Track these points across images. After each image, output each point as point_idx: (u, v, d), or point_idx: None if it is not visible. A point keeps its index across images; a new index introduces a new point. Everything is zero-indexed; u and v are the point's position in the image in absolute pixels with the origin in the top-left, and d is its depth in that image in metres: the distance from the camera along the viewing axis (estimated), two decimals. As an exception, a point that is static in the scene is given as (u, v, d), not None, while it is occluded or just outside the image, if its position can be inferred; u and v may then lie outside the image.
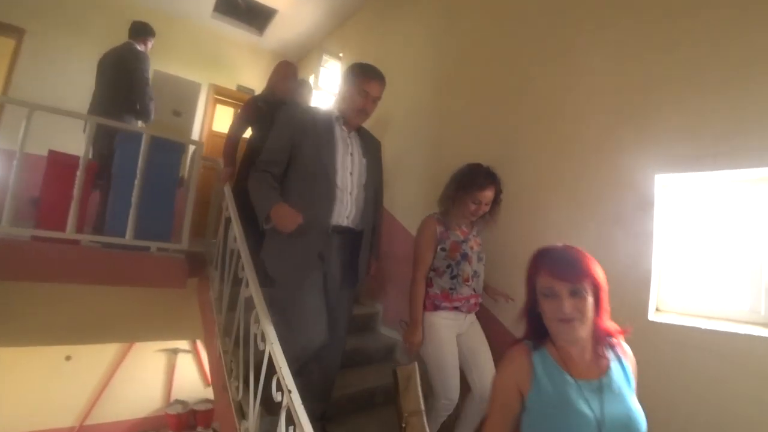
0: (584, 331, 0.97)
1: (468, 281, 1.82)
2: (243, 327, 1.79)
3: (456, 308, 1.79)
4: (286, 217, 1.52)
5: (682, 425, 1.48)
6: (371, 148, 1.85)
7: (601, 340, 1.01)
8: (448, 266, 1.80)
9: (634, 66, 1.84)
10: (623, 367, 1.02)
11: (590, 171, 1.94)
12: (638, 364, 1.62)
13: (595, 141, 1.95)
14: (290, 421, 1.29)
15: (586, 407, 0.91)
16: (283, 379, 1.34)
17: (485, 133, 2.51)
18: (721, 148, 1.56)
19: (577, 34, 2.10)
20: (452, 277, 1.78)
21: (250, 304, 1.74)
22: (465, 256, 1.81)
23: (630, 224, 1.78)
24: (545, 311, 0.98)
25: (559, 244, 1.07)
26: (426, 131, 2.95)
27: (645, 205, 1.74)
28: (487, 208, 1.87)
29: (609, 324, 1.02)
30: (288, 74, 2.64)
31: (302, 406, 1.26)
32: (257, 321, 1.61)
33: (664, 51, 1.74)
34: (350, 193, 1.70)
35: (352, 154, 1.74)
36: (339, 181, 1.68)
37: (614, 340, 1.04)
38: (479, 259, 1.90)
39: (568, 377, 0.96)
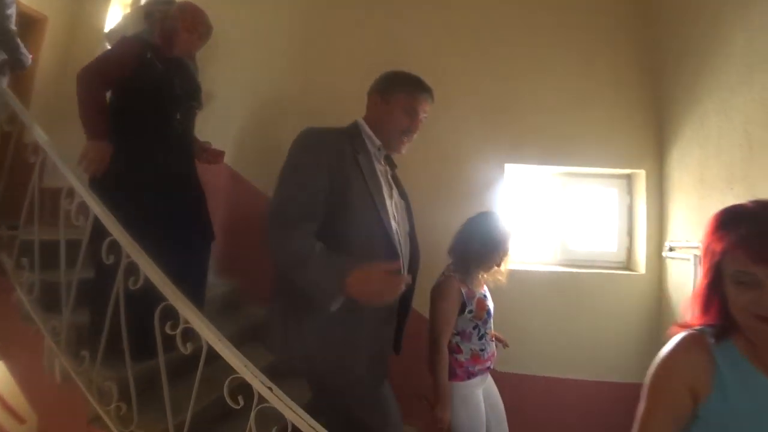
0: None
1: (491, 337, 1.71)
2: (127, 330, 1.34)
3: (488, 368, 1.68)
4: (381, 283, 1.00)
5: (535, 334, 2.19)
6: (399, 178, 1.41)
7: None
8: (475, 327, 1.64)
9: (501, 85, 2.35)
10: None
11: (457, 157, 2.38)
12: (505, 301, 2.27)
13: (464, 135, 2.39)
14: (264, 422, 1.12)
15: None
16: (254, 377, 1.13)
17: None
18: (551, 150, 2.26)
19: (455, 51, 2.45)
20: (480, 338, 1.64)
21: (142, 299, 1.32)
22: (489, 313, 1.68)
23: (485, 200, 2.31)
24: (736, 300, 0.71)
25: (752, 201, 0.74)
26: (285, 108, 2.59)
27: (497, 184, 2.33)
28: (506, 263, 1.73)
29: None
30: (200, 26, 1.79)
31: (287, 398, 1.11)
32: (168, 318, 1.25)
33: (525, 75, 2.32)
34: (402, 250, 1.25)
35: (392, 196, 1.29)
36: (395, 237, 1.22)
37: None
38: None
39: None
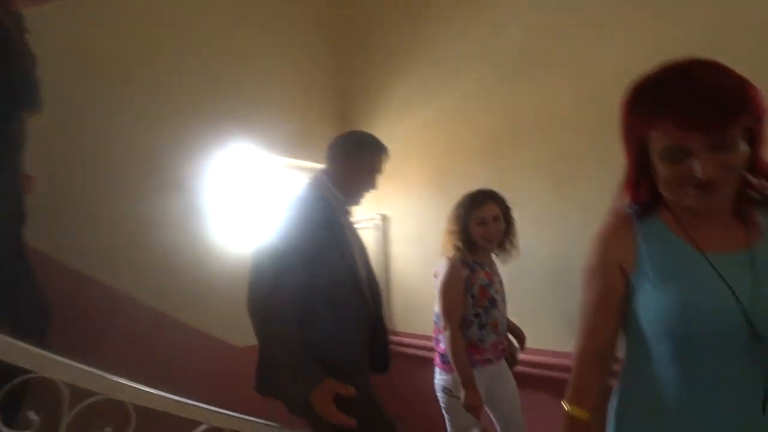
0: (729, 189, 0.66)
1: (497, 328, 1.64)
2: None
3: (488, 360, 1.62)
4: (331, 406, 1.09)
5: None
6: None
7: (747, 195, 0.69)
8: (476, 315, 1.60)
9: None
10: None
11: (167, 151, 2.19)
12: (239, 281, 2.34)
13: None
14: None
15: (722, 287, 0.64)
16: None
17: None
18: (282, 141, 2.63)
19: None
20: (480, 327, 1.60)
21: None
22: (493, 302, 1.64)
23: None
24: (664, 176, 0.67)
25: (654, 69, 0.68)
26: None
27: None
28: (498, 227, 1.62)
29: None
30: None
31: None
32: None
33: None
34: (366, 291, 1.39)
35: (355, 241, 1.43)
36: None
37: None
38: (503, 302, 1.72)
39: (692, 249, 0.69)
